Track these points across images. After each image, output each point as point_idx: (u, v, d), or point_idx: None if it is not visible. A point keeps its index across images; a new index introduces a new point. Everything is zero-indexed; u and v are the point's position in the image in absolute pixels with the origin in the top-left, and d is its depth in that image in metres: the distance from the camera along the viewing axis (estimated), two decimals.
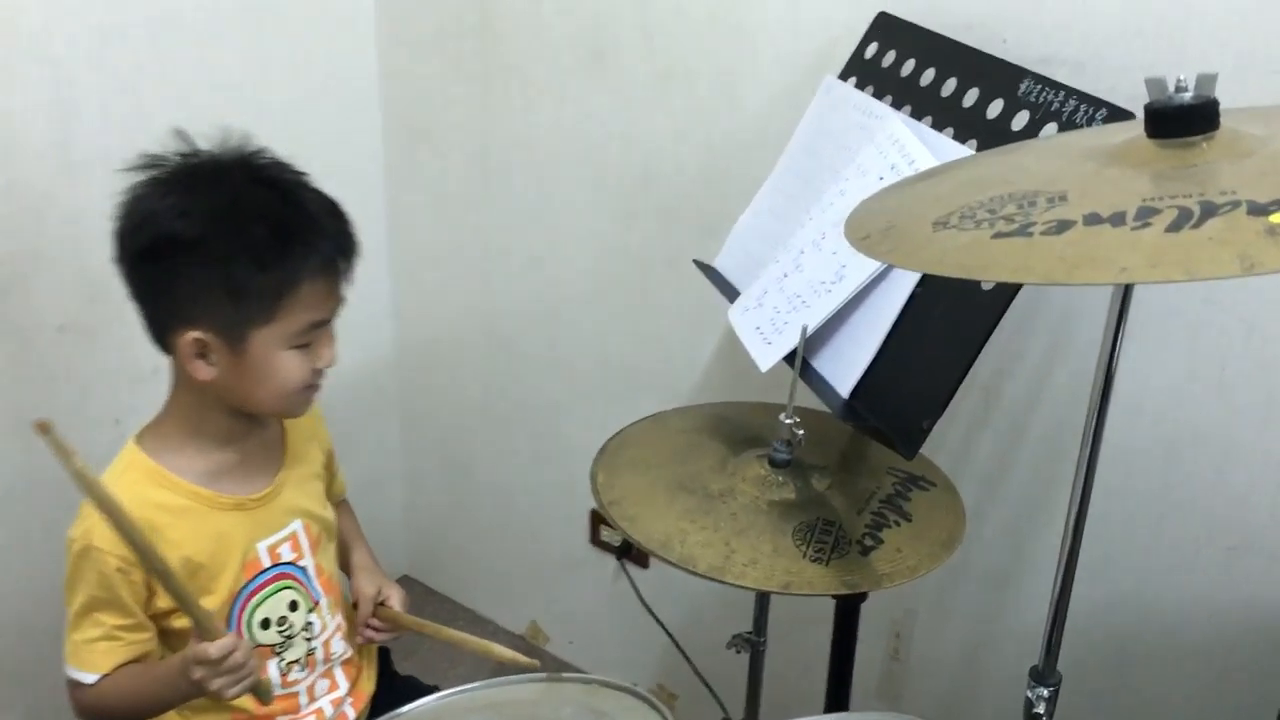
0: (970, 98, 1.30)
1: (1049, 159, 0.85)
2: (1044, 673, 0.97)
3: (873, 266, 1.27)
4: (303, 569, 1.33)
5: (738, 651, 1.44)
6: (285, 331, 1.18)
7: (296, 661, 1.33)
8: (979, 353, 1.15)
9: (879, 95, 1.40)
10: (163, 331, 1.19)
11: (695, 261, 1.61)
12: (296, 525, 1.33)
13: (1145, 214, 0.70)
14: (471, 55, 2.03)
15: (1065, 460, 1.61)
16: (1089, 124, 1.13)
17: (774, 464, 1.27)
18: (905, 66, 1.40)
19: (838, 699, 1.57)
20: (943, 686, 1.87)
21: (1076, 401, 1.59)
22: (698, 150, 1.81)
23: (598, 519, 2.21)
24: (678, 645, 2.09)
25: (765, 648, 1.43)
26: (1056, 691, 0.97)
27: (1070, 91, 1.18)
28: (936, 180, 0.93)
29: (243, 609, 1.28)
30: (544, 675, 1.39)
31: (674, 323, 1.96)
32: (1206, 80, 0.80)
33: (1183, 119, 0.80)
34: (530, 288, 2.13)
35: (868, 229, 0.80)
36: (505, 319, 2.20)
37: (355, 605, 1.43)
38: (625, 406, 2.09)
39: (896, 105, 1.36)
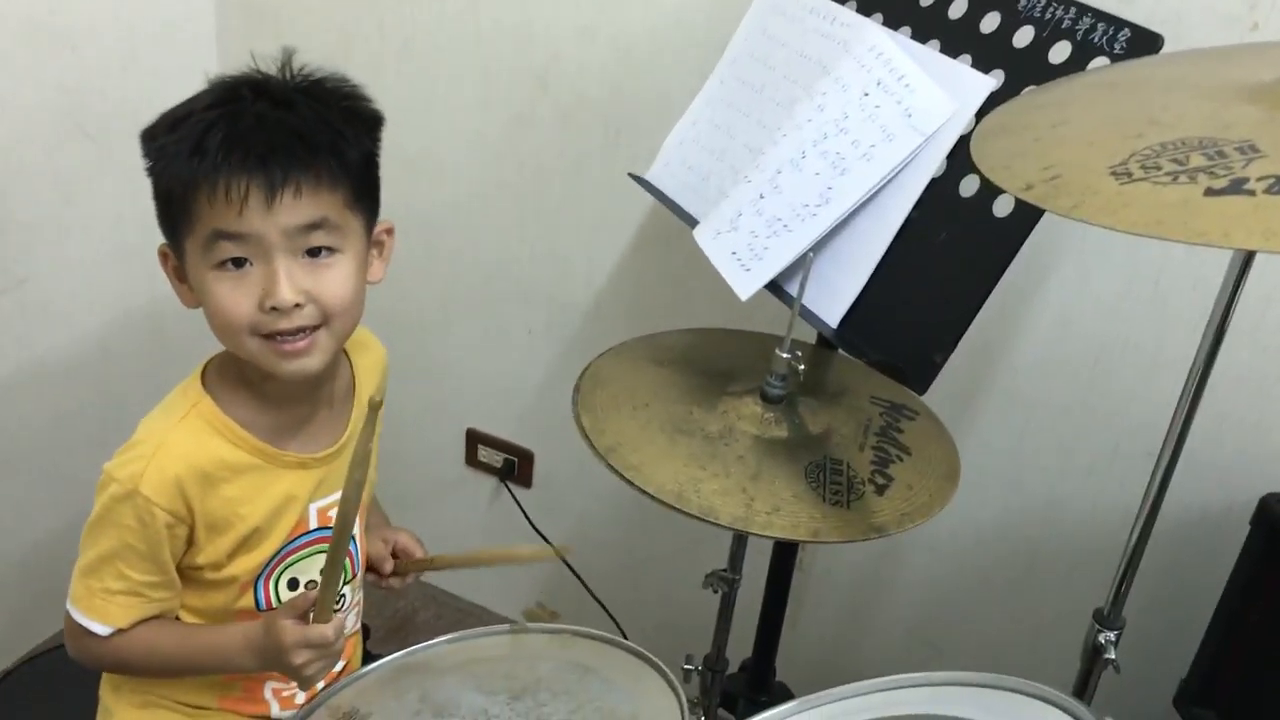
0: (957, 9, 1.24)
1: (1188, 97, 0.79)
2: (1110, 616, 0.96)
3: (864, 188, 1.20)
4: (352, 538, 1.22)
5: (715, 591, 1.38)
6: (197, 242, 1.02)
7: None
8: (996, 282, 1.12)
9: (864, 10, 1.33)
10: None
11: (631, 175, 1.50)
12: None
13: None
14: None
15: (981, 374, 1.62)
16: (1109, 46, 1.09)
17: (766, 399, 1.20)
18: None
19: (773, 625, 1.55)
20: (844, 596, 1.89)
21: (998, 317, 1.60)
22: (605, 49, 1.68)
23: (475, 439, 2.09)
24: (568, 564, 2.03)
25: (740, 585, 1.38)
26: (1121, 633, 0.96)
27: (1083, 8, 1.13)
28: (1048, 116, 0.86)
29: (274, 568, 1.18)
30: (507, 627, 1.31)
31: (573, 239, 1.84)
32: None
33: None
34: (400, 193, 1.95)
35: (1025, 178, 0.73)
36: None
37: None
38: (515, 325, 1.98)
39: (891, 23, 1.29)
